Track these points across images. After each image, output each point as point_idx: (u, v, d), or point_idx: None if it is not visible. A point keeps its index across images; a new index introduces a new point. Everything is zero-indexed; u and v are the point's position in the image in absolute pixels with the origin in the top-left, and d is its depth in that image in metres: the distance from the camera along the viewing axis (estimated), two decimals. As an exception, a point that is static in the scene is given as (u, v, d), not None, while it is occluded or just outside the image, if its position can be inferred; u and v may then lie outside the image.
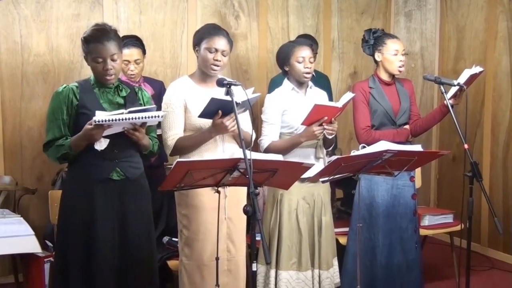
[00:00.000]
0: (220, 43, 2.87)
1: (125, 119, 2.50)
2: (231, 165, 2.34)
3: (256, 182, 2.35)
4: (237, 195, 2.89)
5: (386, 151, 2.69)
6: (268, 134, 3.16)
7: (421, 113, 3.74)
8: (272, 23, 4.88)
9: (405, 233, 3.43)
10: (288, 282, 3.13)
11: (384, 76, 3.46)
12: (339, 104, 2.96)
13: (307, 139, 3.06)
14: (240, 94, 2.62)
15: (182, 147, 2.87)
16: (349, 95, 3.00)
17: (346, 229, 3.65)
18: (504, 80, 4.60)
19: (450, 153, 4.91)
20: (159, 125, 2.93)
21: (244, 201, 2.88)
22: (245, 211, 2.28)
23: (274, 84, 3.94)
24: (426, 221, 4.15)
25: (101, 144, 2.59)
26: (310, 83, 3.25)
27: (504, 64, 4.59)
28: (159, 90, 3.79)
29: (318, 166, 2.92)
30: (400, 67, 3.40)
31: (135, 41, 3.71)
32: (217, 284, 2.66)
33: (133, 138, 2.64)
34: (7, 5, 4.03)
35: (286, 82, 3.23)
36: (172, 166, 2.25)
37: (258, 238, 2.30)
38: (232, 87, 2.60)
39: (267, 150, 3.10)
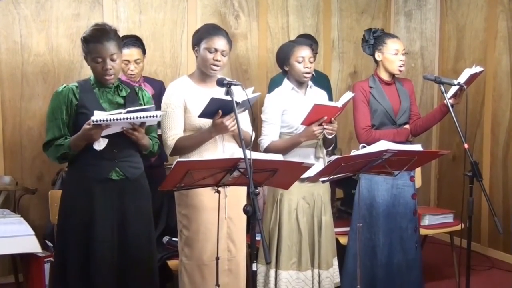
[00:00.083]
0: (220, 43, 2.87)
1: (124, 119, 2.50)
2: (231, 165, 2.34)
3: (256, 182, 2.35)
4: (237, 195, 2.89)
5: (386, 151, 2.69)
6: (268, 134, 3.16)
7: (421, 112, 3.74)
8: (272, 22, 4.88)
9: (405, 233, 3.43)
10: (288, 282, 3.13)
11: (384, 76, 3.45)
12: (339, 103, 2.96)
13: (307, 139, 3.06)
14: (240, 94, 2.62)
15: (182, 147, 2.87)
16: (349, 95, 3.00)
17: (346, 229, 3.66)
18: (504, 79, 4.60)
19: (450, 152, 4.91)
20: (159, 124, 2.93)
21: (244, 201, 2.88)
22: (245, 211, 2.28)
23: (274, 84, 3.94)
24: (426, 220, 4.15)
25: (100, 144, 2.59)
26: (310, 83, 3.25)
27: (504, 64, 4.59)
28: (159, 90, 3.79)
29: (318, 166, 2.92)
30: (400, 66, 3.40)
31: (135, 41, 3.71)
32: (217, 284, 2.66)
33: (132, 138, 2.64)
34: (7, 5, 4.03)
35: (286, 82, 3.23)
36: (172, 166, 2.25)
37: (258, 238, 2.30)
38: (232, 86, 2.60)
39: (267, 150, 3.10)
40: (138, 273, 2.76)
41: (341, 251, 3.49)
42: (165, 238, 3.59)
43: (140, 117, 2.52)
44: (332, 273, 3.27)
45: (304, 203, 3.18)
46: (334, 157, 2.71)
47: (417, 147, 2.86)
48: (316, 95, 3.27)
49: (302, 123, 3.00)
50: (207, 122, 2.79)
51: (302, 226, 3.16)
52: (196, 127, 2.88)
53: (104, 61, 2.64)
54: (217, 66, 2.88)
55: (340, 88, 5.14)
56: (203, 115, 2.69)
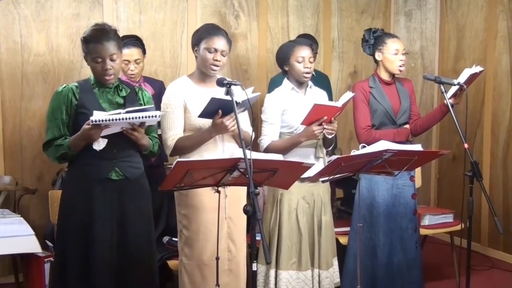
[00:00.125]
0: (220, 43, 2.87)
1: (123, 119, 2.50)
2: (231, 165, 2.34)
3: (256, 182, 2.35)
4: (237, 195, 2.89)
5: (386, 151, 2.69)
6: (268, 133, 3.16)
7: (421, 112, 3.73)
8: (272, 22, 4.88)
9: (405, 233, 3.43)
10: (288, 282, 3.13)
11: (384, 76, 3.45)
12: (339, 103, 2.96)
13: (306, 138, 3.06)
14: (239, 94, 2.62)
15: (182, 147, 2.87)
16: (348, 95, 3.00)
17: (346, 229, 3.66)
18: (504, 79, 4.60)
19: (450, 152, 4.91)
20: (159, 124, 2.93)
21: (244, 201, 2.88)
22: (245, 211, 2.28)
23: (274, 84, 3.94)
24: (426, 220, 4.15)
25: (99, 144, 2.59)
26: (310, 83, 3.25)
27: (504, 64, 4.59)
28: (159, 89, 3.79)
29: (318, 166, 2.92)
30: (400, 66, 3.40)
31: (135, 41, 3.71)
32: (218, 284, 2.66)
33: (132, 138, 2.63)
34: (7, 5, 4.03)
35: (285, 81, 3.23)
36: (172, 166, 2.25)
37: (258, 238, 2.30)
38: (232, 86, 2.60)
39: (267, 150, 3.10)
40: (137, 273, 2.76)
41: (341, 251, 3.49)
42: (165, 238, 3.59)
43: (139, 117, 2.52)
44: (332, 273, 3.27)
45: (304, 203, 3.18)
46: (334, 157, 2.71)
47: (417, 147, 2.86)
48: (316, 95, 3.27)
49: (302, 123, 3.00)
50: (207, 122, 2.79)
51: (302, 226, 3.16)
52: (196, 127, 2.88)
53: (104, 61, 2.64)
54: (217, 66, 2.88)
55: (340, 88, 5.14)
56: (203, 115, 2.69)
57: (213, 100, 2.60)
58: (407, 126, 3.49)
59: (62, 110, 2.68)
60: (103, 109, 2.65)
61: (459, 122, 3.04)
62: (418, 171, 3.97)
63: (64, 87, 2.72)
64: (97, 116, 2.48)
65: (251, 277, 2.47)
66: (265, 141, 3.15)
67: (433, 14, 5.31)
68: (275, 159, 2.48)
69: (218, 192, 2.52)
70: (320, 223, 3.21)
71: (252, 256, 2.41)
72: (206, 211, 2.86)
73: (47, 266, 3.46)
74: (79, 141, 2.61)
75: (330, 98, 3.86)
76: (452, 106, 3.17)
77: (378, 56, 3.43)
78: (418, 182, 3.93)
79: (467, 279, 3.00)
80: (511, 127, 4.58)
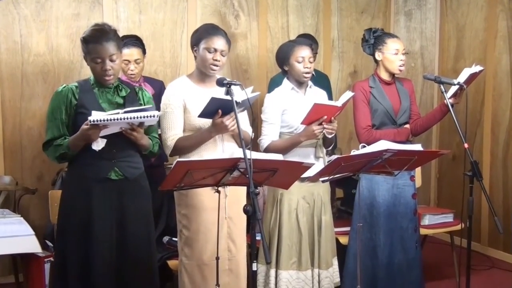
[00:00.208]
0: (219, 43, 2.87)
1: (121, 119, 2.50)
2: (231, 164, 2.34)
3: (256, 182, 2.35)
4: (237, 194, 2.89)
5: (386, 151, 2.69)
6: (268, 133, 3.15)
7: (421, 112, 3.73)
8: (272, 22, 4.88)
9: (406, 233, 3.42)
10: (288, 282, 3.13)
11: (384, 76, 3.45)
12: (339, 103, 2.96)
13: (306, 138, 3.06)
14: (239, 94, 2.62)
15: (181, 147, 2.87)
16: (348, 94, 3.00)
17: (346, 228, 3.66)
18: (504, 79, 4.60)
19: (450, 152, 4.91)
20: (160, 124, 2.93)
21: (244, 200, 2.88)
22: (245, 211, 2.28)
23: (274, 84, 3.94)
24: (426, 220, 4.15)
25: (98, 144, 2.59)
26: (310, 83, 3.25)
27: (504, 63, 4.59)
28: (159, 89, 3.79)
29: (318, 166, 2.92)
30: (400, 66, 3.40)
31: (135, 40, 3.71)
32: (218, 284, 2.66)
33: (131, 138, 2.63)
34: (7, 5, 4.03)
35: (285, 81, 3.23)
36: (172, 166, 2.25)
37: (258, 237, 2.30)
38: (232, 86, 2.60)
39: (267, 150, 3.10)
40: (137, 273, 2.76)
41: (341, 251, 3.49)
42: (165, 238, 3.59)
43: (138, 117, 2.52)
44: (332, 273, 3.27)
45: (304, 202, 3.18)
46: (334, 157, 2.71)
47: (417, 147, 2.86)
48: (316, 95, 3.27)
49: (302, 123, 3.00)
50: (206, 122, 2.79)
51: (302, 225, 3.16)
52: (195, 127, 2.88)
53: (103, 62, 2.64)
54: (217, 66, 2.88)
55: (340, 88, 5.14)
56: (203, 115, 2.69)
57: (213, 100, 2.60)
58: (407, 126, 3.49)
59: (62, 110, 2.68)
60: (102, 109, 2.65)
61: (459, 122, 3.04)
62: (418, 171, 3.97)
63: (64, 87, 2.72)
64: (95, 116, 2.47)
65: (251, 277, 2.47)
66: (265, 141, 3.15)
67: (433, 14, 5.31)
68: (275, 159, 2.48)
69: (218, 192, 2.52)
70: (320, 223, 3.21)
71: (252, 256, 2.41)
72: (206, 211, 2.86)
73: (47, 266, 3.46)
74: (78, 141, 2.61)
75: (330, 98, 3.86)
76: (452, 106, 3.17)
77: (378, 56, 3.43)
78: (418, 182, 3.93)
79: (467, 279, 3.00)
80: (511, 127, 4.58)
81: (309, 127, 2.99)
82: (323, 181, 2.99)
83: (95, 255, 2.67)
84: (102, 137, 2.58)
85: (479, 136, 4.82)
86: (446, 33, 5.17)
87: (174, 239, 3.41)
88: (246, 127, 2.98)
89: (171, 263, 3.37)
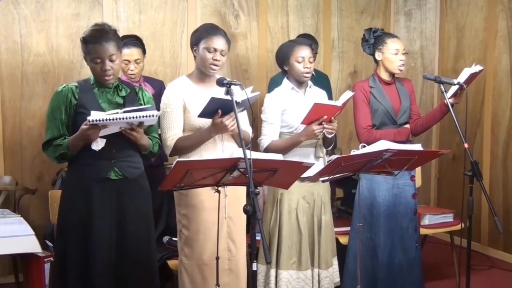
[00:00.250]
0: (219, 42, 2.87)
1: (120, 118, 2.50)
2: (231, 164, 2.34)
3: (256, 182, 2.35)
4: (236, 194, 2.89)
5: (386, 151, 2.69)
6: (268, 133, 3.15)
7: (421, 112, 3.73)
8: (272, 22, 4.88)
9: (406, 233, 3.42)
10: (288, 282, 3.13)
11: (384, 76, 3.45)
12: (339, 103, 2.96)
13: (307, 138, 3.06)
14: (239, 94, 2.62)
15: (181, 147, 2.87)
16: (348, 94, 3.00)
17: (346, 228, 3.65)
18: (504, 79, 4.60)
19: (450, 152, 4.91)
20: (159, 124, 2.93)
21: (243, 200, 2.88)
22: (245, 211, 2.27)
23: (273, 84, 3.94)
24: (426, 220, 4.15)
25: (98, 144, 2.58)
26: (310, 83, 3.25)
27: (504, 63, 4.59)
28: (159, 89, 3.79)
29: (318, 166, 2.92)
30: (400, 66, 3.40)
31: (135, 40, 3.71)
32: (218, 284, 2.66)
33: (131, 138, 2.63)
34: (7, 5, 4.03)
35: (285, 81, 3.23)
36: (172, 166, 2.25)
37: (258, 237, 2.30)
38: (232, 86, 2.60)
39: (267, 150, 3.10)
40: (137, 273, 2.76)
41: (341, 251, 3.49)
42: (165, 238, 3.59)
43: (136, 117, 2.52)
44: (332, 273, 3.27)
45: (304, 202, 3.18)
46: (334, 157, 2.71)
47: (417, 147, 2.86)
48: (316, 95, 3.27)
49: (302, 122, 3.00)
50: (206, 122, 2.79)
51: (302, 225, 3.16)
52: (195, 127, 2.88)
53: (103, 62, 2.63)
54: (217, 65, 2.88)
55: (340, 88, 5.13)
56: (202, 114, 2.69)
57: (212, 100, 2.60)
58: (407, 125, 3.49)
59: (62, 110, 2.68)
60: (102, 109, 2.65)
61: (459, 122, 3.04)
62: (418, 170, 3.97)
63: (64, 87, 2.72)
64: (94, 116, 2.47)
65: (251, 277, 2.47)
66: (265, 141, 3.15)
67: (433, 13, 5.31)
68: (275, 159, 2.48)
69: (218, 192, 2.52)
70: (320, 223, 3.21)
71: (252, 255, 2.41)
72: (206, 210, 2.86)
73: (47, 266, 3.46)
74: (77, 141, 2.61)
75: (330, 98, 3.86)
76: (452, 105, 3.17)
77: (378, 56, 3.43)
78: (418, 182, 3.93)
79: (467, 279, 3.00)
80: (511, 126, 4.58)
81: (309, 127, 2.99)
82: (323, 181, 2.99)
83: (94, 255, 2.67)
84: (102, 137, 2.58)
85: (479, 136, 4.82)
86: (446, 33, 5.17)
87: (174, 239, 3.41)
88: (245, 127, 2.99)
89: (171, 263, 3.37)
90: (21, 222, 3.32)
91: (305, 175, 2.70)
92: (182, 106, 2.89)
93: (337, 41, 5.18)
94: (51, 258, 3.39)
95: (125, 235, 2.73)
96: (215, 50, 2.86)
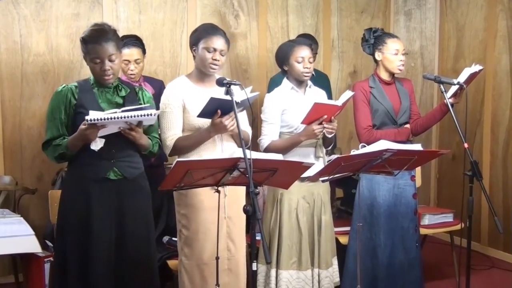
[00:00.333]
0: (218, 42, 2.87)
1: (118, 117, 2.49)
2: (231, 164, 2.34)
3: (256, 182, 2.35)
4: (236, 194, 2.90)
5: (385, 150, 2.69)
6: (267, 133, 3.15)
7: (421, 112, 3.73)
8: (271, 22, 4.88)
9: (407, 233, 3.42)
10: (289, 282, 3.13)
11: (384, 76, 3.45)
12: (339, 102, 2.96)
13: (307, 138, 3.06)
14: (238, 94, 2.62)
15: (181, 147, 2.87)
16: (348, 94, 3.01)
17: (346, 228, 3.65)
18: (504, 79, 4.60)
19: (450, 152, 4.91)
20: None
21: (243, 200, 2.89)
22: (245, 211, 2.27)
23: (273, 84, 3.94)
24: (426, 220, 4.15)
25: (97, 144, 2.58)
26: (310, 83, 3.25)
27: (504, 63, 4.59)
28: (159, 89, 3.79)
29: (318, 165, 2.92)
30: (400, 66, 3.40)
31: (135, 40, 3.71)
32: (217, 284, 2.66)
33: (130, 138, 2.63)
34: (7, 5, 4.03)
35: (285, 81, 3.23)
36: (172, 166, 2.25)
37: (258, 237, 2.30)
38: (232, 86, 2.60)
39: (267, 150, 3.10)
40: (137, 273, 2.76)
41: (341, 251, 3.49)
42: (165, 238, 3.59)
43: (135, 116, 2.52)
44: (332, 273, 3.27)
45: (304, 202, 3.18)
46: (333, 157, 2.71)
47: (417, 147, 2.86)
48: (316, 95, 3.27)
49: (302, 122, 3.00)
50: (206, 122, 2.79)
51: (302, 225, 3.16)
52: (195, 127, 2.88)
53: (103, 62, 2.63)
54: (216, 65, 2.88)
55: (340, 88, 5.13)
56: (202, 114, 2.69)
57: (212, 100, 2.60)
58: (407, 125, 3.49)
59: (61, 110, 2.68)
60: (101, 109, 2.65)
61: (459, 122, 3.04)
62: (418, 170, 3.97)
63: (64, 87, 2.72)
64: (93, 115, 2.47)
65: (251, 277, 2.47)
66: (265, 141, 3.15)
67: (433, 13, 5.31)
68: (275, 159, 2.48)
69: (218, 192, 2.52)
70: (320, 223, 3.21)
71: (252, 255, 2.41)
72: (206, 210, 2.86)
73: (47, 266, 3.46)
74: (76, 141, 2.61)
75: (330, 98, 3.86)
76: (452, 105, 3.17)
77: (378, 56, 3.43)
78: (418, 182, 3.92)
79: (467, 279, 3.00)
80: (511, 126, 4.58)
81: (309, 127, 2.99)
82: (323, 181, 2.99)
83: (94, 255, 2.67)
84: (101, 137, 2.58)
85: (479, 136, 4.82)
86: (446, 33, 5.17)
87: (174, 239, 3.41)
88: (245, 127, 2.99)
89: (171, 263, 3.37)
90: (21, 222, 3.32)
91: (305, 175, 2.70)
92: (181, 106, 2.89)
93: (337, 41, 5.18)
94: (51, 258, 3.39)
95: (124, 235, 2.73)
96: (215, 50, 2.86)
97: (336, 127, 3.04)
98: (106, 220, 2.70)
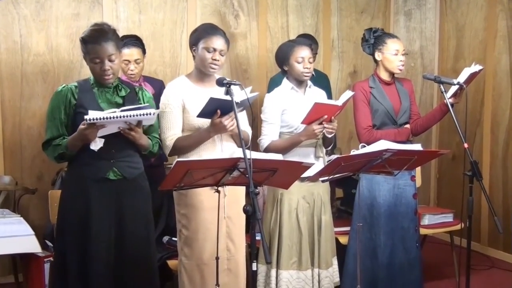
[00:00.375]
0: (218, 42, 2.87)
1: (117, 117, 2.49)
2: (231, 164, 2.34)
3: (256, 182, 2.35)
4: (235, 194, 2.89)
5: (385, 151, 2.69)
6: (267, 133, 3.15)
7: (421, 112, 3.73)
8: (271, 22, 4.88)
9: (407, 233, 3.42)
10: (289, 282, 3.13)
11: (384, 76, 3.45)
12: (339, 102, 2.96)
13: (307, 138, 3.06)
14: (238, 94, 2.62)
15: (180, 147, 2.87)
16: (348, 94, 3.01)
17: (346, 228, 3.66)
18: (504, 79, 4.60)
19: (450, 152, 4.91)
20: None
21: (242, 200, 2.89)
22: (245, 211, 2.27)
23: (273, 84, 3.94)
24: (426, 220, 4.15)
25: (96, 144, 2.58)
26: (309, 83, 3.25)
27: (504, 63, 4.59)
28: (159, 89, 3.79)
29: (318, 165, 2.92)
30: (400, 66, 3.40)
31: (135, 40, 3.71)
32: (217, 284, 2.66)
33: (130, 138, 2.63)
34: (7, 5, 4.03)
35: (285, 81, 3.23)
36: (172, 166, 2.25)
37: (258, 237, 2.30)
38: (232, 86, 2.60)
39: (267, 150, 3.10)
40: (137, 273, 2.76)
41: (341, 251, 3.49)
42: (165, 238, 3.59)
43: (134, 115, 2.52)
44: (332, 273, 3.27)
45: (304, 202, 3.18)
46: (333, 157, 2.70)
47: (417, 147, 2.86)
48: (316, 95, 3.27)
49: (302, 122, 3.00)
50: (205, 122, 2.79)
51: (302, 225, 3.16)
52: (194, 127, 2.88)
53: (102, 62, 2.63)
54: (216, 65, 2.88)
55: (339, 88, 5.13)
56: (201, 115, 2.69)
57: (211, 100, 2.60)
58: (407, 126, 3.49)
59: (61, 110, 2.68)
60: (101, 109, 2.64)
61: (459, 122, 3.04)
62: (418, 170, 3.97)
63: (64, 87, 2.72)
64: (92, 115, 2.47)
65: (251, 277, 2.46)
66: (265, 141, 3.15)
67: (433, 13, 5.31)
68: (275, 159, 2.48)
69: (218, 192, 2.52)
70: (320, 223, 3.21)
71: (252, 256, 2.41)
72: (205, 210, 2.86)
73: (47, 266, 3.46)
74: (76, 141, 2.61)
75: (330, 98, 3.85)
76: (452, 105, 3.17)
77: (378, 56, 3.43)
78: (418, 182, 3.92)
79: (467, 279, 3.00)
80: (510, 126, 4.58)
81: (309, 127, 2.99)
82: (323, 181, 2.99)
83: (93, 255, 2.67)
84: (101, 137, 2.58)
85: (479, 136, 4.82)
86: (446, 33, 5.17)
87: (174, 239, 3.41)
88: (245, 127, 2.99)
89: (171, 263, 3.37)
90: (21, 222, 3.32)
91: (305, 175, 2.70)
92: (181, 106, 2.89)
93: (337, 41, 5.18)
94: (51, 258, 3.39)
95: (124, 235, 2.73)
96: (214, 50, 2.86)
97: (336, 127, 3.04)
98: (106, 220, 2.70)
